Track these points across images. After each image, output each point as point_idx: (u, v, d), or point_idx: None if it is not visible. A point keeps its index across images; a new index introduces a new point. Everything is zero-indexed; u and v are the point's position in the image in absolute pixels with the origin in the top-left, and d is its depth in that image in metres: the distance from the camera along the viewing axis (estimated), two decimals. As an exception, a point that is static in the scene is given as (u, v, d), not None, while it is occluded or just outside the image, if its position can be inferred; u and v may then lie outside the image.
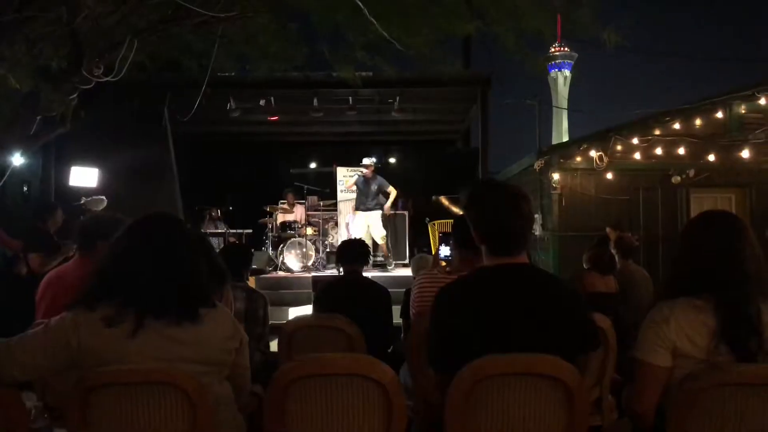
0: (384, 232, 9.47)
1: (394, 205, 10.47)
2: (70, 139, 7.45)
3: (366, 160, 9.44)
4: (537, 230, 9.68)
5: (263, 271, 9.32)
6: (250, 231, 10.72)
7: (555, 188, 9.58)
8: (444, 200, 13.53)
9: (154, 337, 1.79)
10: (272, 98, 10.47)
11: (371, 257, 8.95)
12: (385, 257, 9.63)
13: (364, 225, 9.34)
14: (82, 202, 6.70)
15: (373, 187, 9.39)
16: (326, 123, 12.40)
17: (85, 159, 8.01)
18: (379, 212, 9.42)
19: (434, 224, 10.77)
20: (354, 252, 4.03)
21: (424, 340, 1.91)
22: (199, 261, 1.93)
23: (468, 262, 2.65)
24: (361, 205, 9.43)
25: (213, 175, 12.56)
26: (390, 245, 9.90)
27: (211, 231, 10.48)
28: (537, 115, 19.07)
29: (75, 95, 5.75)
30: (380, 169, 9.51)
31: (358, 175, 9.41)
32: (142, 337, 1.77)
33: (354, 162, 11.31)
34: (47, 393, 2.55)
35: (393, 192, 9.43)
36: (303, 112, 11.06)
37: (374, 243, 9.45)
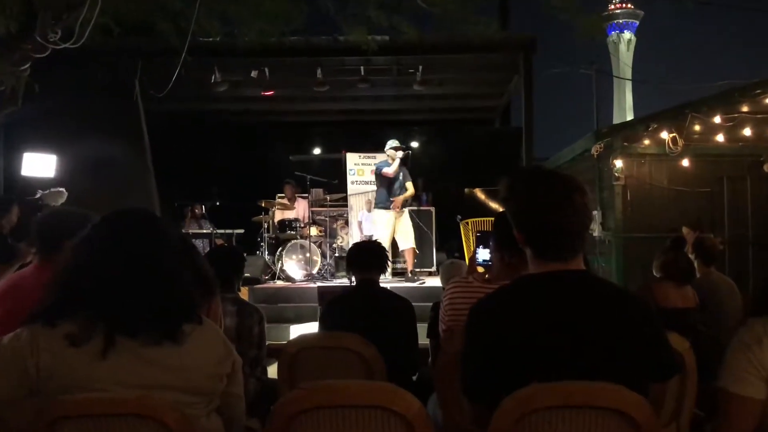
0: (413, 232, 9.44)
1: (417, 199, 10.47)
2: (22, 119, 7.55)
3: (395, 141, 9.39)
4: (596, 230, 9.63)
5: (258, 281, 9.40)
6: (242, 231, 10.82)
7: (618, 178, 9.51)
8: (480, 193, 13.54)
9: (128, 358, 1.81)
10: (266, 69, 10.52)
11: (390, 263, 8.95)
12: (411, 271, 9.52)
13: (390, 225, 9.25)
14: (38, 195, 6.79)
15: (404, 173, 9.36)
16: (333, 99, 12.46)
17: (40, 144, 8.10)
18: (407, 209, 9.41)
19: (468, 223, 10.77)
20: (369, 257, 4.03)
21: (457, 365, 1.90)
22: (182, 267, 1.95)
23: (512, 268, 2.66)
24: (388, 199, 9.30)
25: (196, 163, 12.66)
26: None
27: (194, 231, 10.58)
28: (594, 88, 18.99)
29: (27, 66, 5.84)
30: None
31: (400, 159, 9.21)
32: (113, 358, 1.80)
33: (368, 147, 11.35)
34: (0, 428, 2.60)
35: (411, 189, 9.44)
36: (304, 85, 11.12)
37: (393, 247, 9.42)
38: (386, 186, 9.27)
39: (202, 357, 1.91)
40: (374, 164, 9.66)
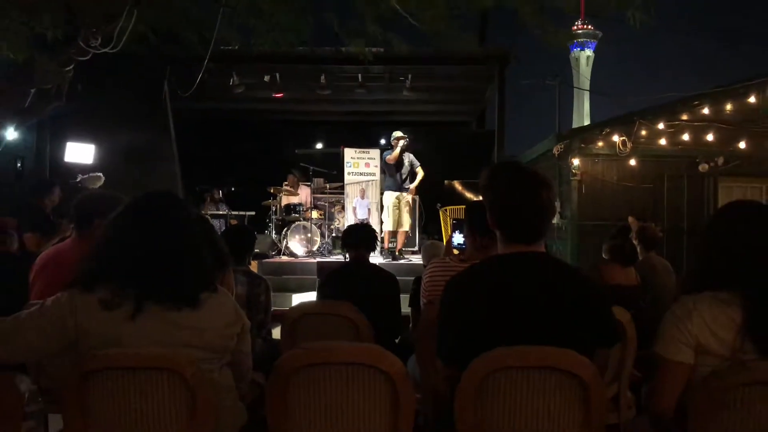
0: (410, 220, 9.31)
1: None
2: (66, 113, 7.48)
3: (399, 132, 9.21)
4: (555, 219, 9.66)
5: (266, 256, 9.38)
6: (253, 213, 10.78)
7: (575, 174, 9.54)
8: (457, 185, 13.53)
9: (153, 321, 1.80)
10: (277, 74, 10.47)
11: (379, 243, 8.92)
12: (399, 250, 9.40)
13: (395, 207, 9.06)
14: (78, 179, 6.74)
15: (406, 162, 9.18)
16: (334, 101, 12.37)
17: (81, 135, 8.05)
18: (408, 195, 9.25)
19: (446, 210, 10.77)
20: (360, 236, 4.02)
21: (434, 331, 1.90)
22: (201, 243, 1.94)
23: (482, 250, 2.66)
24: (394, 184, 9.11)
25: (214, 154, 12.63)
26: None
27: (212, 212, 10.54)
28: (557, 97, 18.92)
29: (71, 67, 5.76)
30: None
31: (400, 148, 9.00)
32: (141, 321, 1.79)
33: (363, 143, 11.31)
34: (42, 376, 2.59)
35: (421, 172, 9.22)
36: (310, 89, 11.04)
37: (386, 230, 9.31)
38: (393, 172, 9.15)
39: (216, 319, 1.90)
40: (384, 154, 9.45)
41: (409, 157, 9.18)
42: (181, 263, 1.86)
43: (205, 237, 2.06)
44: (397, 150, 8.98)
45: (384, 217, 9.30)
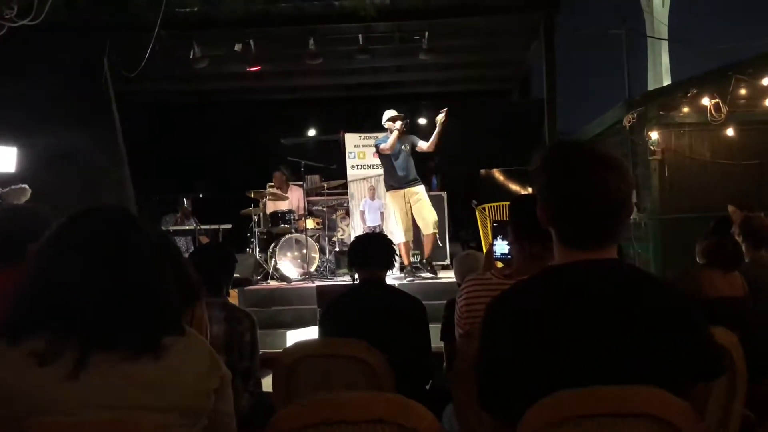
0: (433, 216, 9.09)
1: (426, 182, 10.43)
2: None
3: (392, 111, 9.20)
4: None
5: (249, 282, 9.42)
6: (229, 226, 10.84)
7: (653, 152, 9.50)
8: (497, 175, 13.53)
9: (102, 377, 1.81)
10: (251, 41, 10.51)
11: (397, 257, 8.90)
12: (427, 259, 9.34)
13: (403, 209, 9.02)
14: (-2, 193, 6.81)
15: (407, 148, 9.12)
16: (328, 73, 12.44)
17: (-2, 135, 8.12)
18: (424, 187, 9.20)
19: (484, 209, 10.76)
20: (372, 250, 4.03)
21: (474, 371, 1.90)
22: (162, 271, 1.95)
23: (535, 260, 2.65)
24: (395, 180, 9.08)
25: (175, 151, 12.70)
26: (422, 242, 9.74)
27: (175, 228, 10.61)
28: (624, 51, 18.84)
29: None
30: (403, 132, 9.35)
31: (398, 132, 8.96)
32: (86, 377, 1.80)
33: (369, 126, 11.34)
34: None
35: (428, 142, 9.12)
36: (295, 58, 11.10)
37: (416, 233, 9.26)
38: (390, 164, 9.10)
39: (186, 372, 1.90)
40: (375, 142, 9.50)
41: (409, 140, 9.13)
42: (136, 299, 1.87)
43: (167, 262, 2.07)
44: (394, 136, 8.92)
45: (392, 226, 9.22)
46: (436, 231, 9.16)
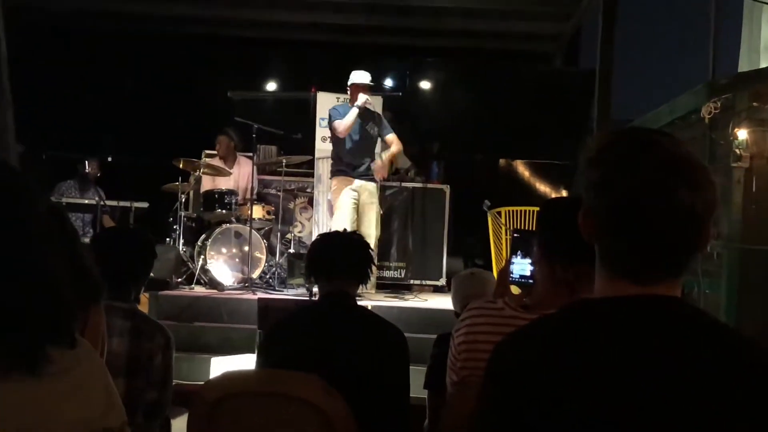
0: (377, 231, 9.42)
1: (423, 170, 10.46)
2: None
3: (360, 76, 9.34)
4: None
5: (165, 284, 9.40)
6: (145, 205, 10.77)
7: (739, 157, 9.53)
8: (522, 168, 13.54)
9: None
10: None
11: (373, 269, 8.91)
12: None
13: (350, 208, 9.24)
14: None
15: (372, 132, 9.34)
16: (301, 5, 12.41)
17: None
18: (374, 185, 9.43)
19: (499, 213, 10.77)
20: (344, 256, 4.03)
21: (470, 433, 1.91)
22: (56, 257, 1.94)
23: (566, 289, 2.65)
24: (345, 164, 9.32)
25: (79, 95, 12.61)
26: (410, 253, 9.79)
27: (72, 200, 10.52)
28: (712, 16, 18.88)
29: None
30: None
31: (357, 110, 9.13)
32: None
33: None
34: None
35: (396, 143, 9.35)
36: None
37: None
38: (342, 148, 9.29)
39: (71, 400, 1.90)
40: (329, 110, 9.55)
41: (379, 122, 9.36)
42: (17, 291, 1.86)
43: (60, 245, 2.06)
44: (350, 116, 9.08)
45: (334, 222, 9.33)
46: (376, 250, 9.27)
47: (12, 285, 1.87)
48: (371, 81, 9.36)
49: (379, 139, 9.35)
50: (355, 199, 9.20)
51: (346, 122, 9.02)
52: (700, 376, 1.77)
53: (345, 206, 9.19)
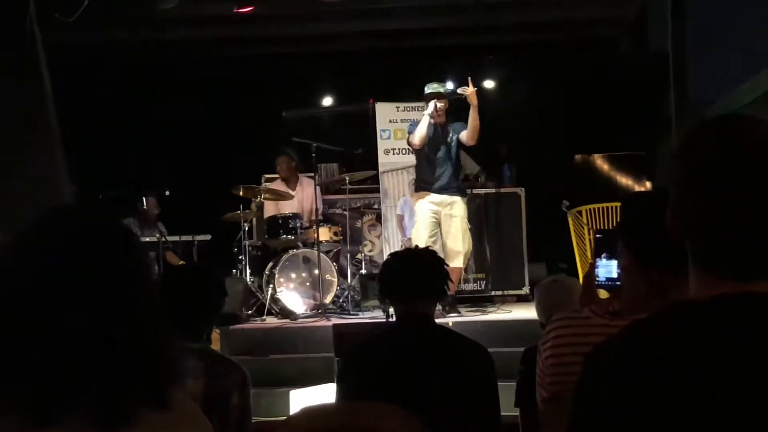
0: (470, 245, 9.46)
1: (496, 176, 10.44)
2: None
3: (429, 86, 9.42)
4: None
5: (236, 318, 9.46)
6: (208, 238, 10.86)
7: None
8: (600, 162, 13.41)
9: None
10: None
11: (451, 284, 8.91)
12: (451, 299, 9.46)
13: (430, 224, 9.33)
14: None
15: (451, 142, 9.36)
16: (351, 16, 12.48)
17: None
18: (464, 201, 9.46)
19: (580, 213, 10.68)
20: (417, 273, 4.02)
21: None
22: (160, 314, 1.96)
23: (658, 291, 2.60)
24: (426, 182, 9.41)
25: (130, 129, 12.78)
26: (489, 263, 9.76)
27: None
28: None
29: None
30: (463, 101, 9.40)
31: (429, 118, 9.26)
32: None
33: (411, 91, 11.34)
34: None
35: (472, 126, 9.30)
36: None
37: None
38: (423, 159, 9.38)
39: None
40: (407, 126, 9.77)
41: (456, 128, 9.37)
42: (122, 349, 1.86)
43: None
44: (423, 125, 9.20)
45: (414, 238, 9.43)
46: (463, 267, 9.47)
47: (125, 341, 1.87)
48: (442, 87, 9.44)
49: (459, 152, 9.40)
50: (434, 213, 9.29)
51: (418, 133, 9.16)
52: None
53: (422, 221, 9.32)
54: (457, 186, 9.37)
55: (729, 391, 1.72)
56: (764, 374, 1.72)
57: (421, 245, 8.88)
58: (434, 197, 9.29)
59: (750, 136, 1.80)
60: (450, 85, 9.71)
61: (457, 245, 9.25)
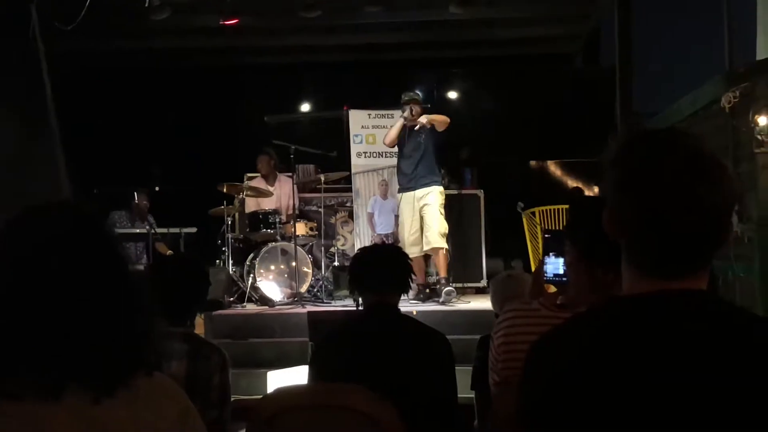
0: (445, 227, 9.48)
1: (457, 179, 10.50)
2: None
3: (411, 96, 9.51)
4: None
5: (218, 304, 9.44)
6: (194, 230, 10.84)
7: (762, 143, 9.45)
8: (553, 168, 13.48)
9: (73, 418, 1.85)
10: (228, -17, 10.58)
11: (414, 277, 8.98)
12: (441, 281, 9.65)
13: (412, 216, 9.42)
14: None
15: (425, 144, 9.41)
16: (329, 30, 12.46)
17: None
18: (437, 190, 9.49)
19: (534, 214, 10.74)
20: (385, 268, 4.06)
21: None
22: (141, 293, 2.01)
23: (600, 286, 2.64)
24: (405, 180, 9.52)
25: (123, 130, 12.75)
26: (450, 257, 9.85)
27: (125, 231, 10.58)
28: (725, 6, 18.74)
29: None
30: (429, 109, 9.49)
31: (404, 121, 9.36)
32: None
33: (383, 100, 11.38)
34: None
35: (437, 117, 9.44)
36: (286, 10, 11.11)
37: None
38: (398, 159, 9.53)
39: (140, 422, 1.93)
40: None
41: (424, 131, 9.41)
42: (115, 327, 1.91)
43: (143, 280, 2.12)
44: (395, 127, 9.37)
45: (400, 230, 9.66)
46: (442, 247, 9.43)
47: (116, 322, 1.91)
48: (414, 95, 9.57)
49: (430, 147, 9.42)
50: (414, 210, 9.39)
51: (390, 133, 9.36)
52: (730, 363, 1.77)
53: (404, 221, 9.47)
54: (431, 178, 9.39)
55: (646, 376, 1.77)
56: (673, 362, 1.77)
57: (405, 242, 9.17)
58: (411, 194, 9.39)
59: (678, 148, 1.84)
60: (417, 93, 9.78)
61: (433, 228, 9.28)
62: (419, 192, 9.35)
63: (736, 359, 1.77)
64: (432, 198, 9.36)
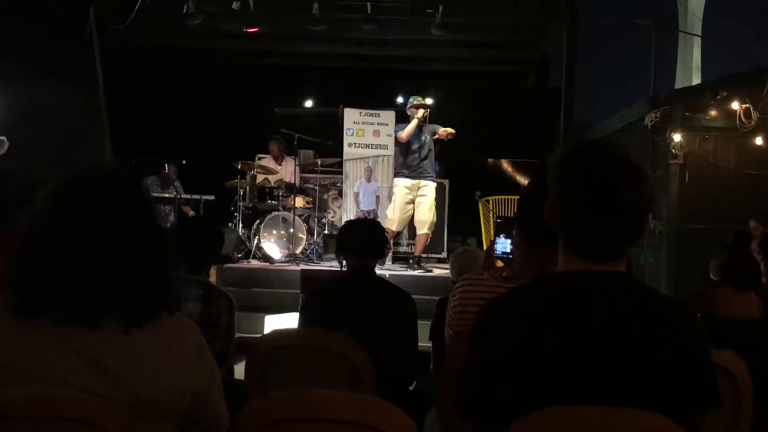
0: (434, 217, 9.50)
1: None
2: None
3: (420, 100, 9.50)
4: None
5: (229, 259, 9.45)
6: (212, 198, 10.80)
7: (675, 156, 9.49)
8: (506, 165, 13.52)
9: (90, 352, 1.85)
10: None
11: (390, 247, 8.99)
12: (418, 257, 9.70)
13: (403, 203, 9.36)
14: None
15: (429, 144, 9.41)
16: (331, 41, 12.41)
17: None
18: (434, 185, 9.49)
19: (488, 201, 10.77)
20: (365, 238, 4.07)
21: (462, 376, 1.92)
22: (167, 245, 2.02)
23: (539, 264, 2.65)
24: (405, 168, 9.42)
25: (160, 112, 12.70)
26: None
27: (156, 194, 10.54)
28: (653, 44, 18.75)
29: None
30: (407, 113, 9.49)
31: (418, 121, 9.31)
32: (72, 351, 1.83)
33: (371, 101, 11.35)
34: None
35: (443, 130, 9.44)
36: (297, 23, 11.05)
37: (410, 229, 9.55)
38: (405, 151, 9.40)
39: (161, 351, 1.91)
40: (395, 129, 9.82)
41: (430, 129, 9.39)
42: (143, 270, 1.92)
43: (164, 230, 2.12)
44: (412, 125, 9.22)
45: (388, 211, 9.60)
46: (430, 233, 9.46)
47: (143, 267, 1.92)
48: (423, 100, 9.55)
49: (432, 145, 9.42)
50: (407, 194, 9.31)
51: (407, 130, 9.20)
52: (638, 328, 1.81)
53: (397, 200, 9.37)
54: (430, 172, 9.37)
55: (575, 334, 1.80)
56: (597, 325, 1.80)
57: (395, 219, 9.24)
58: (407, 181, 9.30)
59: (609, 156, 1.88)
60: (429, 100, 9.78)
61: (423, 216, 9.28)
62: (422, 182, 9.30)
63: (643, 323, 1.82)
64: (430, 191, 9.36)
